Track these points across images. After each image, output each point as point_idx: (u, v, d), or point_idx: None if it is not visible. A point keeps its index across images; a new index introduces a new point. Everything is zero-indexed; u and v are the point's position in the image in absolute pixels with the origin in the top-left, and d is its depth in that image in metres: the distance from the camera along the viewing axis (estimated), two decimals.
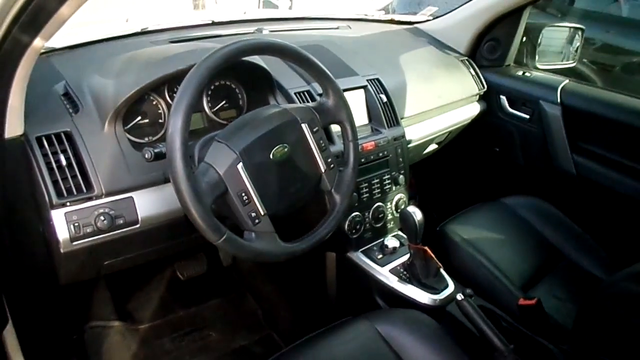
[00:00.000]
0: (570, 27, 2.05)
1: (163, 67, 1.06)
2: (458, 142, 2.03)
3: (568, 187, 1.81)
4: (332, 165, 1.11)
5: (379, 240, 1.44)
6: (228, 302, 1.87)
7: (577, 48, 2.08)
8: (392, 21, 2.04)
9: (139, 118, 1.12)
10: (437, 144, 1.89)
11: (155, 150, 0.94)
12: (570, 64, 2.07)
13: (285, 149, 0.99)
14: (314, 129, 1.07)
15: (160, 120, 1.15)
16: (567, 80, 1.81)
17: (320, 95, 1.17)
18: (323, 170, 1.09)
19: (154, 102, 1.14)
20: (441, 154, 2.01)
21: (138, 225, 1.03)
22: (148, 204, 1.04)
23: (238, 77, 1.27)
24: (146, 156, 0.95)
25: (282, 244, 0.97)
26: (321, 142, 1.08)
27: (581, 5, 3.33)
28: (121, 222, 1.00)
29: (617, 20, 3.34)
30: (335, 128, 1.27)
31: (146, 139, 1.13)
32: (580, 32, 2.04)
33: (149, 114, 1.14)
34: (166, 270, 1.87)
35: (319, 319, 1.34)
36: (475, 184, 2.24)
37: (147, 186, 1.04)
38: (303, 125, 1.04)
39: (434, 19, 2.04)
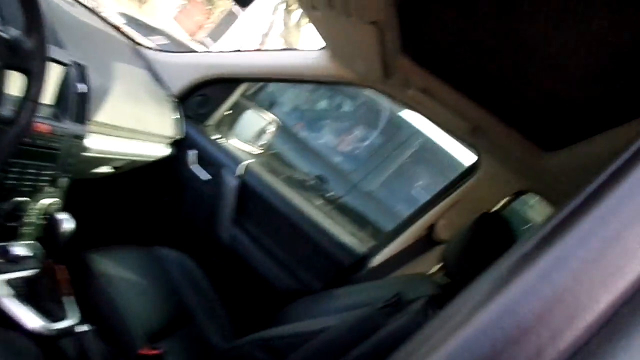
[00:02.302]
0: (269, 120, 2.28)
1: None
2: (135, 176, 1.91)
3: (220, 254, 1.88)
4: None
5: (5, 243, 1.15)
6: None
7: (267, 142, 2.32)
8: (119, 29, 1.88)
9: None
10: (114, 167, 1.73)
11: None
12: (258, 151, 2.27)
13: None
14: None
15: None
16: (253, 160, 1.96)
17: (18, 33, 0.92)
18: None
19: None
20: (115, 181, 1.84)
21: None
22: None
23: None
24: None
25: None
26: None
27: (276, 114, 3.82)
28: None
29: (295, 138, 3.94)
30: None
31: None
32: (276, 127, 2.28)
33: None
34: None
35: None
36: (137, 224, 2.11)
37: None
38: None
39: (159, 50, 1.97)
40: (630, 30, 0.85)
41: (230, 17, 14.18)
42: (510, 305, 0.22)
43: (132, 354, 1.23)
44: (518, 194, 1.76)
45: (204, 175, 1.92)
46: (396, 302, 1.16)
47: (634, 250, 0.23)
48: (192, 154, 1.94)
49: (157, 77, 1.89)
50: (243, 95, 2.16)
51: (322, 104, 4.62)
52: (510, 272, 0.24)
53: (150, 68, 1.88)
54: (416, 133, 3.70)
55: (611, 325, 0.21)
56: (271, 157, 3.46)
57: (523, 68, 1.23)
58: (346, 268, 1.82)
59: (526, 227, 2.79)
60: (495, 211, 1.69)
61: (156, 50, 1.97)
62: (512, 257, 0.24)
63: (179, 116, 1.89)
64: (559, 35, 1.03)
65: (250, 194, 1.88)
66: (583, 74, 1.05)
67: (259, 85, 3.44)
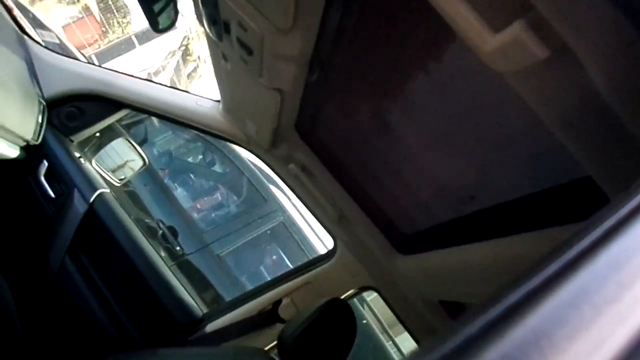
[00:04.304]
0: (138, 156, 2.14)
1: None
2: None
3: (42, 281, 1.66)
4: None
5: None
6: None
7: (128, 177, 2.18)
8: (10, 11, 1.71)
9: None
10: None
11: None
12: (116, 183, 2.10)
13: None
14: None
15: None
16: (108, 190, 1.81)
17: None
18: None
19: None
20: None
21: None
22: None
23: None
24: None
25: None
26: None
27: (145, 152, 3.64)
28: None
29: (157, 183, 3.76)
30: None
31: None
32: (142, 165, 2.15)
33: None
34: None
35: None
36: None
37: None
38: None
39: (45, 47, 1.80)
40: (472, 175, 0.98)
41: (126, 45, 13.67)
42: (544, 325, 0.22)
43: None
44: (364, 289, 1.83)
45: (50, 191, 1.73)
46: None
47: None
48: (42, 166, 1.74)
49: (33, 73, 1.71)
50: (119, 121, 2.04)
51: (194, 158, 4.52)
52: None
53: (29, 61, 1.70)
54: (280, 210, 3.75)
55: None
56: (127, 193, 3.23)
57: (396, 172, 1.34)
58: (180, 327, 1.70)
59: (363, 322, 2.88)
60: (344, 299, 1.73)
61: (42, 46, 1.80)
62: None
63: (41, 121, 1.70)
64: (426, 157, 1.15)
65: (96, 226, 1.71)
66: (445, 193, 1.18)
67: (137, 117, 3.28)
